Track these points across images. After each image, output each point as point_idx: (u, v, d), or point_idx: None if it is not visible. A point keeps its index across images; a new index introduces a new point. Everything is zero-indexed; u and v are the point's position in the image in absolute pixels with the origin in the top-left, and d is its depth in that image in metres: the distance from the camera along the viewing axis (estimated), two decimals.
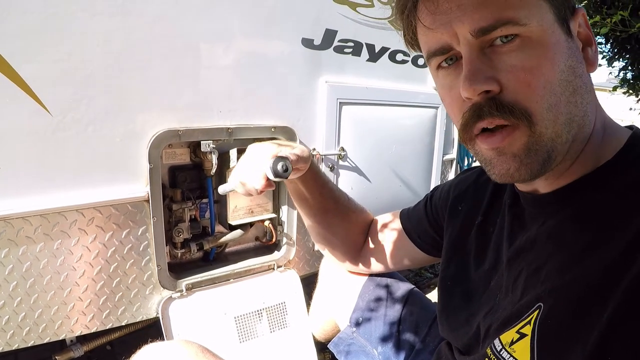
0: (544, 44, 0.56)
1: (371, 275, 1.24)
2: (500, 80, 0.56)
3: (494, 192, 0.83)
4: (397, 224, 1.10)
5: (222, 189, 1.13)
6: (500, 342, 0.63)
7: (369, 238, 1.17)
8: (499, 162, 0.61)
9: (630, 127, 0.66)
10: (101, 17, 1.13)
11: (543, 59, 0.56)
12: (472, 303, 0.79)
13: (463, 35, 0.57)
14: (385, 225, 1.14)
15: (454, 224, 0.90)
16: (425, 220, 1.02)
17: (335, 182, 1.77)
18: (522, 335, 0.60)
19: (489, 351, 0.66)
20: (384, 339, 1.16)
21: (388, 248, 1.12)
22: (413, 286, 1.25)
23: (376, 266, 1.17)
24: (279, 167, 0.90)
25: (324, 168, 1.71)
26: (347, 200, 1.17)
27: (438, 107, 2.10)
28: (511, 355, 0.61)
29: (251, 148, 1.03)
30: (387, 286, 1.22)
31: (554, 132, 0.57)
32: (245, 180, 0.99)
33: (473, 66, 0.57)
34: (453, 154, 2.39)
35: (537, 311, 0.59)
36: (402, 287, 1.23)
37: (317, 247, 1.27)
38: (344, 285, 1.29)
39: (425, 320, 1.16)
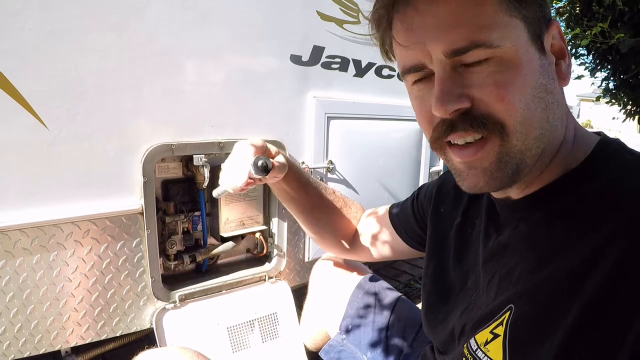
0: (517, 63, 0.57)
1: (365, 276, 1.30)
2: (472, 95, 0.58)
3: (473, 194, 0.86)
4: (386, 219, 1.15)
5: (215, 193, 1.18)
6: (476, 341, 0.67)
7: (359, 230, 1.22)
8: (469, 175, 0.64)
9: (599, 134, 0.69)
10: (96, 35, 1.18)
11: (516, 77, 0.57)
12: (449, 301, 0.83)
13: (436, 55, 0.59)
14: (374, 219, 1.19)
15: (435, 224, 0.95)
16: (412, 217, 1.06)
17: None
18: (495, 336, 0.63)
19: (465, 351, 0.69)
20: (373, 345, 1.20)
21: (377, 240, 1.17)
22: (400, 294, 1.30)
23: (365, 256, 1.22)
24: (260, 164, 0.95)
25: None
26: (333, 195, 1.22)
27: None
28: (486, 355, 0.64)
29: (236, 146, 1.05)
30: (375, 294, 1.27)
31: (525, 146, 0.60)
32: (229, 179, 1.03)
33: (444, 86, 0.59)
34: (439, 166, 2.46)
35: (508, 312, 0.62)
36: (390, 295, 1.28)
37: (311, 239, 1.32)
38: (333, 294, 1.33)
39: (412, 326, 1.20)
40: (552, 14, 0.64)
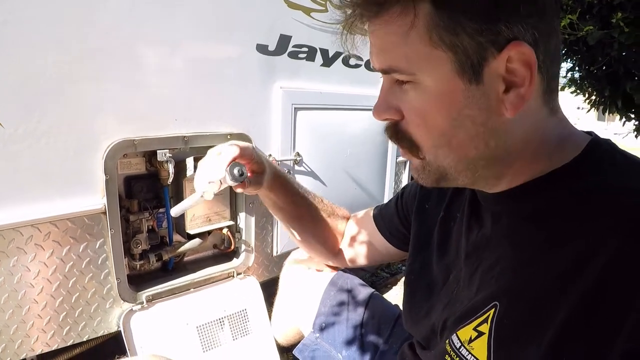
0: (433, 93, 0.61)
1: (337, 273, 1.34)
2: (402, 111, 0.66)
3: (456, 187, 0.86)
4: (370, 221, 1.18)
5: (174, 212, 1.15)
6: (459, 338, 0.69)
7: (345, 235, 1.25)
8: (410, 169, 0.74)
9: (589, 133, 0.70)
10: (54, 26, 1.15)
11: (431, 106, 0.62)
12: (432, 296, 0.87)
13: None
14: (359, 223, 1.22)
15: (420, 221, 0.98)
16: (396, 217, 1.09)
17: None
18: (480, 334, 0.64)
19: (448, 347, 0.71)
20: (348, 343, 1.23)
21: (362, 245, 1.20)
22: (373, 290, 1.34)
23: (353, 262, 1.25)
24: (235, 172, 0.96)
25: None
26: (322, 203, 1.24)
27: None
28: (470, 353, 0.65)
29: (218, 147, 1.05)
30: (348, 291, 1.31)
31: (446, 164, 0.66)
32: (201, 181, 1.02)
33: (381, 96, 0.68)
34: None
35: (493, 309, 0.63)
36: (363, 291, 1.31)
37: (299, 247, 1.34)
38: (305, 291, 1.36)
39: (387, 322, 1.24)
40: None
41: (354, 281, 1.33)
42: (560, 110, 0.67)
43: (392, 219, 1.11)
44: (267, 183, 1.10)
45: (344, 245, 1.25)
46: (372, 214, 1.19)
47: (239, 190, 1.04)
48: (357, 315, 1.26)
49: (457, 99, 0.61)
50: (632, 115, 3.17)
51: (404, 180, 2.57)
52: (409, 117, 0.65)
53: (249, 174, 1.02)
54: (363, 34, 0.69)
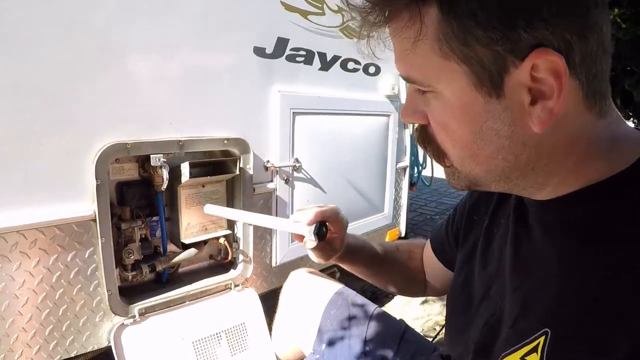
0: (452, 105, 0.56)
1: (337, 291, 1.27)
2: (428, 116, 0.61)
3: (502, 193, 0.79)
4: (429, 248, 1.12)
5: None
6: None
7: (424, 268, 1.18)
8: (444, 172, 0.67)
9: None
10: (46, 27, 1.11)
11: (452, 119, 0.57)
12: (470, 309, 0.79)
13: None
14: (426, 252, 1.16)
15: (467, 233, 0.91)
16: (445, 240, 1.02)
17: (290, 195, 1.80)
18: None
19: None
20: None
21: (432, 272, 1.14)
22: (376, 306, 1.28)
23: (434, 292, 1.18)
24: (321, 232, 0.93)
25: (278, 181, 1.74)
26: (397, 252, 1.18)
27: (390, 114, 2.19)
28: None
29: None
30: (349, 309, 1.24)
31: (474, 174, 0.62)
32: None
33: (407, 99, 0.64)
34: (406, 162, 2.49)
35: (543, 337, 0.56)
36: (364, 308, 1.24)
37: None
38: (305, 311, 1.29)
39: (392, 339, 1.17)
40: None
41: (355, 298, 1.27)
42: (613, 110, 0.59)
43: (443, 242, 1.04)
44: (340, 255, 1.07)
45: (424, 278, 1.18)
46: (430, 240, 1.13)
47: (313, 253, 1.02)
48: (359, 333, 1.19)
49: (478, 113, 0.55)
50: (631, 113, 3.17)
51: (404, 187, 2.53)
52: (434, 125, 0.61)
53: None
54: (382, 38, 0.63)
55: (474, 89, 0.53)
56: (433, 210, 4.98)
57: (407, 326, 1.21)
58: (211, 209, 1.34)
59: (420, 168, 2.85)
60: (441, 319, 2.32)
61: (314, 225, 0.91)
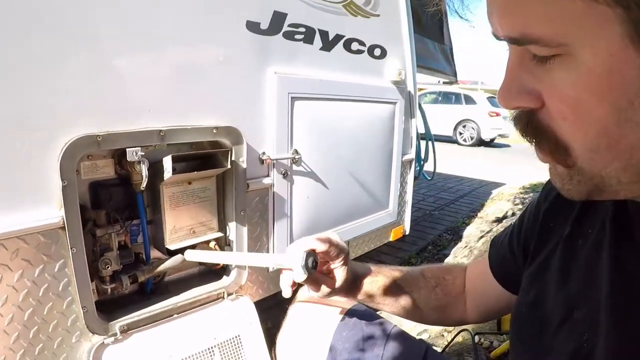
0: (593, 72, 0.42)
1: (349, 310, 1.12)
2: (543, 95, 0.46)
3: None
4: (485, 266, 0.96)
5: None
6: None
7: (466, 292, 1.04)
8: (551, 174, 0.54)
9: None
10: None
11: (589, 92, 0.43)
12: (544, 336, 0.66)
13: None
14: (475, 272, 1.02)
15: (541, 243, 0.76)
16: (508, 253, 0.87)
17: (289, 191, 1.63)
18: None
19: None
20: None
21: (480, 297, 1.00)
22: (393, 325, 1.13)
23: (477, 319, 1.04)
24: (310, 262, 0.83)
25: (275, 175, 1.57)
26: (423, 280, 1.04)
27: (396, 102, 2.04)
28: None
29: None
30: (362, 328, 1.10)
31: (604, 174, 0.47)
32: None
33: (508, 76, 0.48)
34: (412, 154, 2.34)
35: None
36: (380, 328, 1.10)
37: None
38: (314, 332, 1.15)
39: (412, 358, 1.04)
40: None
41: (369, 318, 1.12)
42: None
43: (504, 259, 0.89)
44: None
45: (464, 304, 1.04)
46: (489, 253, 0.96)
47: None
48: (375, 356, 1.05)
49: (629, 81, 0.40)
50: None
51: (410, 182, 2.37)
52: (553, 106, 0.45)
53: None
54: None
55: (629, 44, 0.39)
56: (431, 205, 4.90)
57: (428, 347, 1.07)
58: (192, 255, 1.29)
59: (422, 161, 2.72)
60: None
61: (301, 256, 0.81)
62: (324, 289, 0.92)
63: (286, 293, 0.89)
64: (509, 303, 0.89)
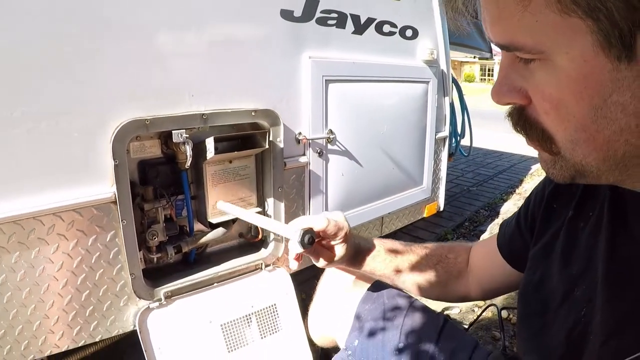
0: (569, 76, 0.47)
1: (373, 284, 1.20)
2: (529, 93, 0.53)
3: None
4: (493, 244, 1.01)
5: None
6: None
7: (470, 269, 1.09)
8: (539, 159, 0.59)
9: None
10: None
11: (566, 92, 0.48)
12: (547, 312, 0.71)
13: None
14: (481, 250, 1.07)
15: (545, 224, 0.81)
16: (517, 233, 0.92)
17: (324, 169, 1.71)
18: None
19: None
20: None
21: (484, 274, 1.05)
22: (414, 298, 1.19)
23: (479, 296, 1.11)
24: (306, 239, 0.94)
25: (311, 154, 1.66)
26: (425, 258, 1.10)
27: (429, 81, 2.05)
28: None
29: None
30: (384, 303, 1.16)
31: (584, 163, 0.52)
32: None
33: (500, 75, 0.55)
34: (446, 132, 2.35)
35: None
36: (400, 302, 1.14)
37: None
38: (341, 303, 1.23)
39: (431, 331, 1.08)
40: None
41: (390, 292, 1.18)
42: None
43: (512, 238, 0.93)
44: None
45: (468, 281, 1.09)
46: (497, 234, 1.02)
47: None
48: (394, 328, 1.11)
49: (602, 83, 0.46)
50: None
51: (444, 159, 2.40)
52: (537, 103, 0.51)
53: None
54: None
55: (599, 52, 0.44)
56: (470, 181, 4.81)
57: (446, 320, 1.13)
58: (222, 206, 1.43)
59: (458, 138, 2.71)
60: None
61: (299, 233, 0.93)
62: (322, 261, 1.02)
63: (292, 265, 1.03)
64: (515, 281, 0.95)
